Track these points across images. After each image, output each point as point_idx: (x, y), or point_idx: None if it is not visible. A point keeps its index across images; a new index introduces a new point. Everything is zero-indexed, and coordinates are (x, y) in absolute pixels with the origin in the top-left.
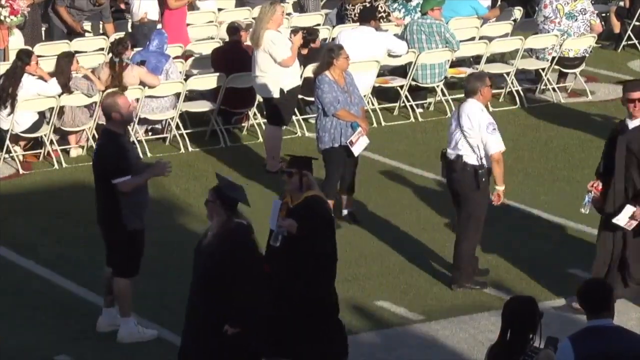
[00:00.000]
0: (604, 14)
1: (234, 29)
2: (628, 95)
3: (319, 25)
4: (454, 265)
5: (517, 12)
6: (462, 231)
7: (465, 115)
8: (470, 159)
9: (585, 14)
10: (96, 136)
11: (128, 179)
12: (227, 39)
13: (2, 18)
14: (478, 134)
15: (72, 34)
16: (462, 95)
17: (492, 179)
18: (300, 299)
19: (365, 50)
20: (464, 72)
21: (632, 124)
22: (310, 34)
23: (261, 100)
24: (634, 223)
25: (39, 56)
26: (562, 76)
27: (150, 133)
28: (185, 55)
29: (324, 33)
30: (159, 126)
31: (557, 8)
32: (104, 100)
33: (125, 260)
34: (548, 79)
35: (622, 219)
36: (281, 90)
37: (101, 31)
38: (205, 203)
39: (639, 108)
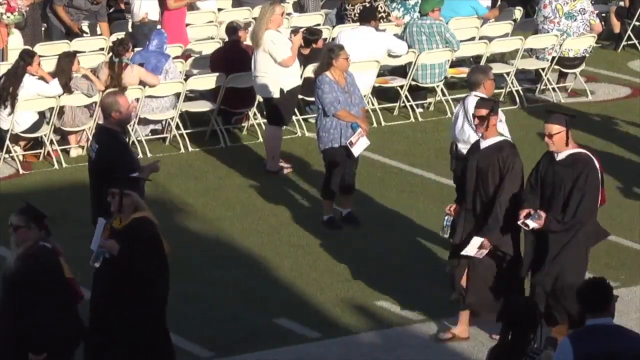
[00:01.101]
0: (604, 14)
1: (233, 29)
2: (475, 112)
3: (319, 25)
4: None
5: (517, 12)
6: None
7: (472, 110)
8: None
9: (584, 14)
10: None
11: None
12: (226, 39)
13: None
14: None
15: (71, 33)
16: (462, 95)
17: None
18: (118, 325)
19: (365, 50)
20: (464, 72)
21: (483, 144)
22: (312, 34)
23: (261, 100)
24: (484, 252)
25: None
26: (562, 76)
27: (150, 133)
28: (185, 55)
29: (324, 33)
30: (159, 126)
31: (556, 8)
32: (104, 99)
33: None
34: (548, 79)
35: (471, 250)
36: (281, 90)
37: (98, 31)
38: (14, 229)
39: (484, 125)
